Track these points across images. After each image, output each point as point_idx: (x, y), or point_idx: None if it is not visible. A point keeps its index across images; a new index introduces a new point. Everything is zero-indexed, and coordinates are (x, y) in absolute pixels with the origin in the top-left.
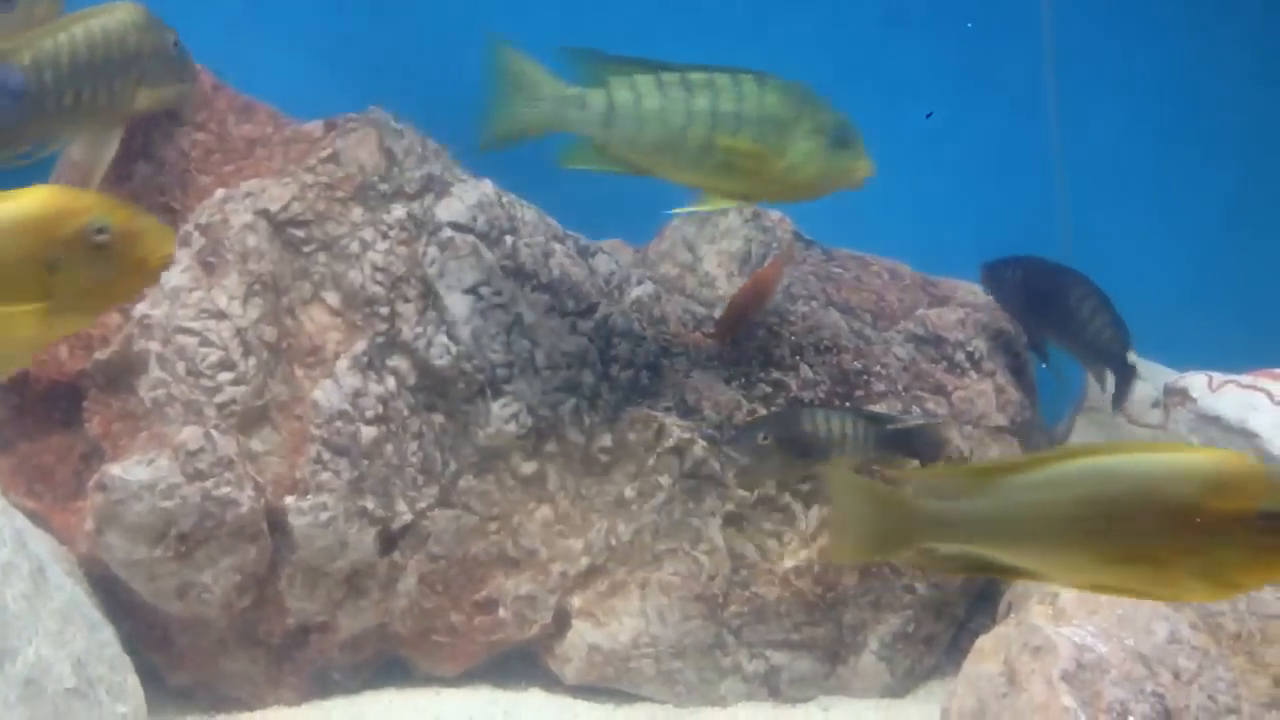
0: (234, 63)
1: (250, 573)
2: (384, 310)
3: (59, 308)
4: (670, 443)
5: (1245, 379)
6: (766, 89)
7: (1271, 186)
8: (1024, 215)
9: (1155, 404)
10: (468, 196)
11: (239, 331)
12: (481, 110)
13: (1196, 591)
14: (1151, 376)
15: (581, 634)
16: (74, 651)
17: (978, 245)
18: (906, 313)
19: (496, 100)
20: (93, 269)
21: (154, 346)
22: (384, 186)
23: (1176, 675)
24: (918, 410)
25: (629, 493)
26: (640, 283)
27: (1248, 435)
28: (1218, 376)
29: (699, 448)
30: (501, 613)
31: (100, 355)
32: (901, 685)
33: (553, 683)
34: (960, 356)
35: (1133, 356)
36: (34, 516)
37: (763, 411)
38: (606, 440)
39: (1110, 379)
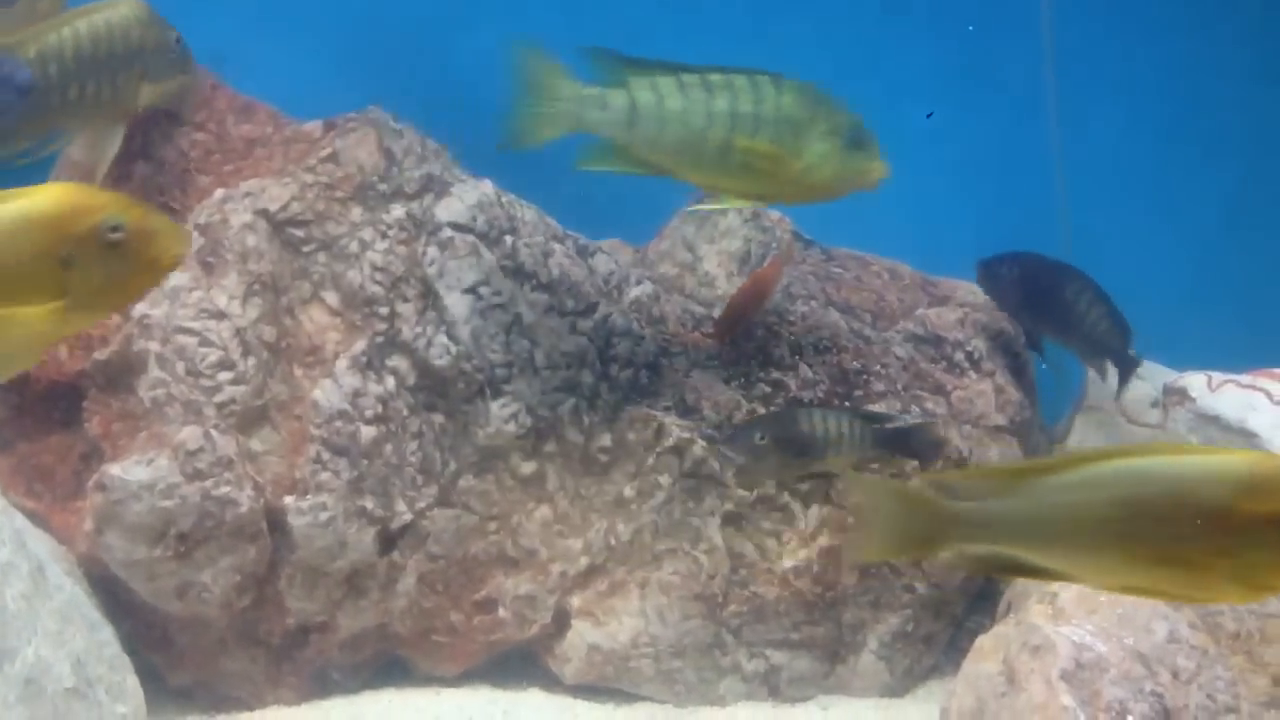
0: (234, 63)
1: (250, 573)
2: (383, 310)
3: (72, 305)
4: (670, 442)
5: (1244, 379)
6: (783, 90)
7: (1271, 186)
8: (1024, 215)
9: (1155, 404)
10: (467, 196)
11: (238, 331)
12: (502, 111)
13: (1228, 594)
14: (1151, 376)
15: (581, 634)
16: (73, 651)
17: (977, 245)
18: (906, 312)
19: (517, 101)
20: (107, 267)
21: (153, 346)
22: (383, 186)
23: (1175, 674)
24: (917, 410)
25: (628, 492)
26: (639, 282)
27: (1247, 435)
28: (1217, 376)
29: (698, 447)
30: (501, 612)
31: (100, 355)
32: (901, 684)
33: (552, 682)
34: (960, 356)
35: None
36: (33, 516)
37: (762, 411)
38: (606, 440)
39: (1111, 371)
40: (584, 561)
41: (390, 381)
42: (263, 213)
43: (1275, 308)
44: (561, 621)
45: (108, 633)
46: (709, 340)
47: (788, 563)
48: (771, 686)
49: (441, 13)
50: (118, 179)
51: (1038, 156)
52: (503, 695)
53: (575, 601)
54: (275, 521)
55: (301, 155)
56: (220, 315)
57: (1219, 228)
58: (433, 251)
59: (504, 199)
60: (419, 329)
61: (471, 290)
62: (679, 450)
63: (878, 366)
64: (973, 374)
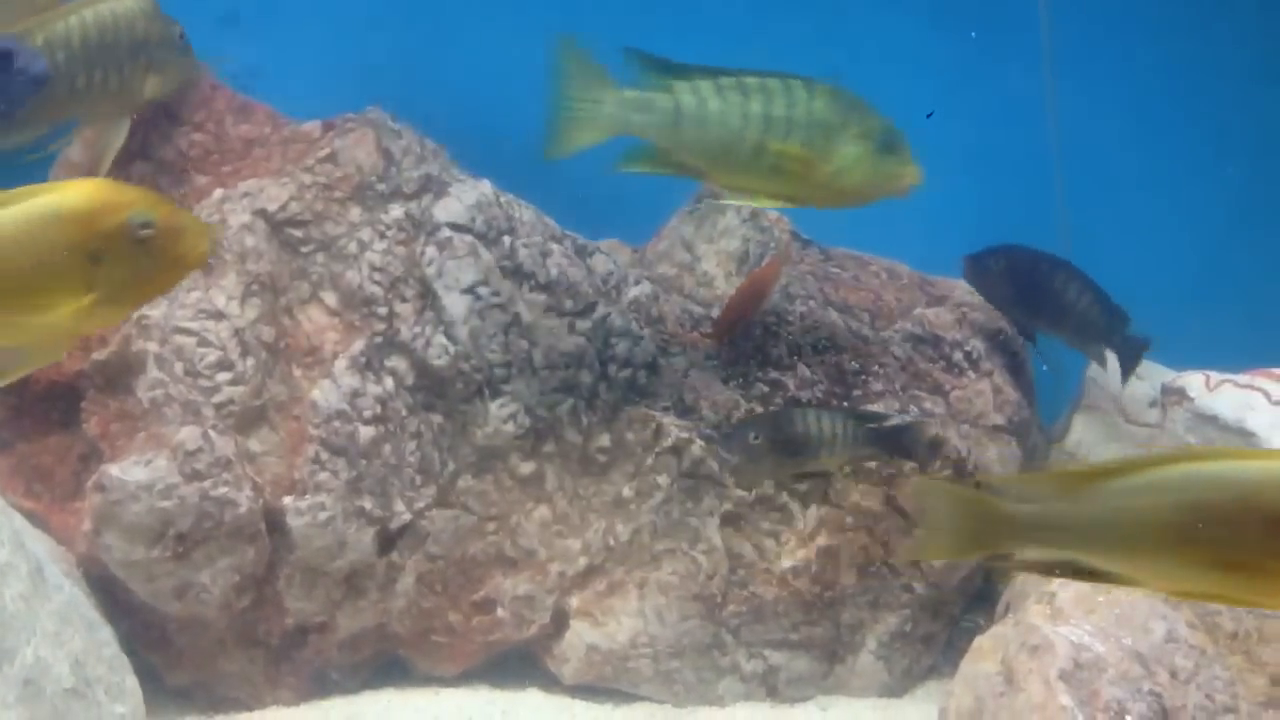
0: (233, 63)
1: (249, 573)
2: (382, 310)
3: (100, 300)
4: (668, 442)
5: (1242, 378)
6: (815, 94)
7: (1271, 186)
8: (1023, 215)
9: (1153, 403)
10: (466, 197)
11: (237, 332)
12: (546, 114)
13: None
14: (1150, 376)
15: (580, 634)
16: (72, 652)
17: (976, 245)
18: (904, 312)
19: (559, 104)
20: (135, 262)
21: (152, 347)
22: (382, 187)
23: (1174, 674)
24: (915, 410)
25: (627, 492)
26: (638, 282)
27: (1245, 435)
28: (1215, 376)
29: (697, 447)
30: (500, 613)
31: (98, 356)
32: (899, 684)
33: (551, 682)
34: (958, 356)
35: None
36: (32, 517)
37: (760, 411)
38: (604, 440)
39: (1111, 359)
40: (583, 562)
41: (389, 382)
42: (261, 213)
43: (1275, 307)
44: (560, 622)
45: (106, 633)
46: (707, 340)
47: (786, 563)
48: (770, 687)
49: (441, 12)
50: (116, 179)
51: (1037, 157)
52: (501, 695)
53: (574, 602)
54: (274, 522)
55: (300, 155)
56: (219, 315)
57: (1219, 228)
58: (431, 252)
59: (502, 199)
60: (417, 329)
61: (470, 290)
62: (677, 450)
63: (876, 366)
64: (971, 374)
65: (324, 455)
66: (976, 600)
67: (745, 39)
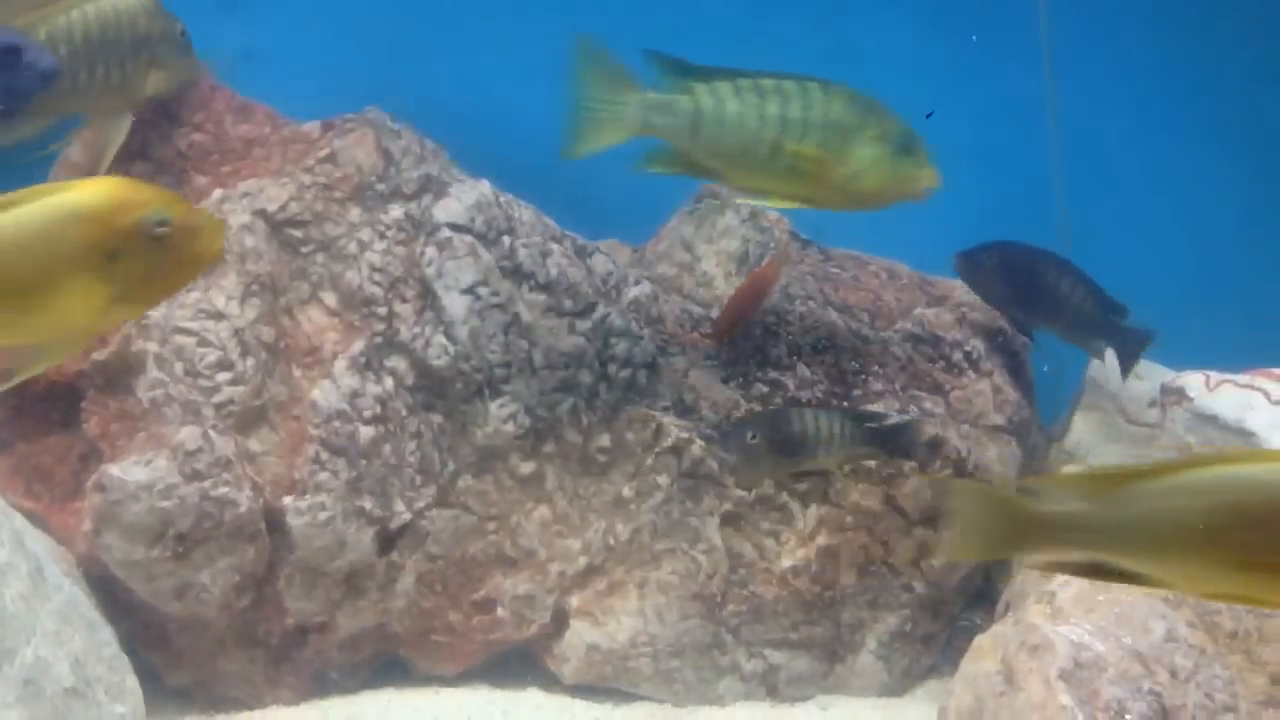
0: (232, 63)
1: (248, 573)
2: (382, 310)
3: (117, 297)
4: (668, 442)
5: (1242, 378)
6: (832, 96)
7: (1272, 186)
8: (1023, 215)
9: (1153, 403)
10: (465, 197)
11: (237, 332)
12: (565, 114)
13: None
14: (1150, 376)
15: (580, 633)
16: (72, 651)
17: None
18: (904, 312)
19: (580, 104)
20: (151, 260)
21: (152, 347)
22: (381, 187)
23: (1174, 673)
24: (915, 410)
25: (627, 492)
26: (638, 282)
27: (1245, 435)
28: (1214, 376)
29: (697, 447)
30: (500, 612)
31: (98, 356)
32: (899, 684)
33: (551, 682)
34: (958, 356)
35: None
36: (32, 517)
37: (758, 410)
38: (604, 440)
39: (1109, 353)
40: (583, 561)
41: (389, 382)
42: (261, 213)
43: (1276, 307)
44: (560, 621)
45: (106, 633)
46: (707, 340)
47: (786, 562)
48: (770, 686)
49: (441, 12)
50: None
51: (1037, 157)
52: (501, 695)
53: (574, 601)
54: (274, 522)
55: (299, 156)
56: (219, 315)
57: (1219, 227)
58: (431, 252)
59: (502, 199)
60: (417, 329)
61: (469, 290)
62: (677, 450)
63: (876, 366)
64: (971, 374)
65: (324, 455)
66: (976, 600)
67: (745, 39)
